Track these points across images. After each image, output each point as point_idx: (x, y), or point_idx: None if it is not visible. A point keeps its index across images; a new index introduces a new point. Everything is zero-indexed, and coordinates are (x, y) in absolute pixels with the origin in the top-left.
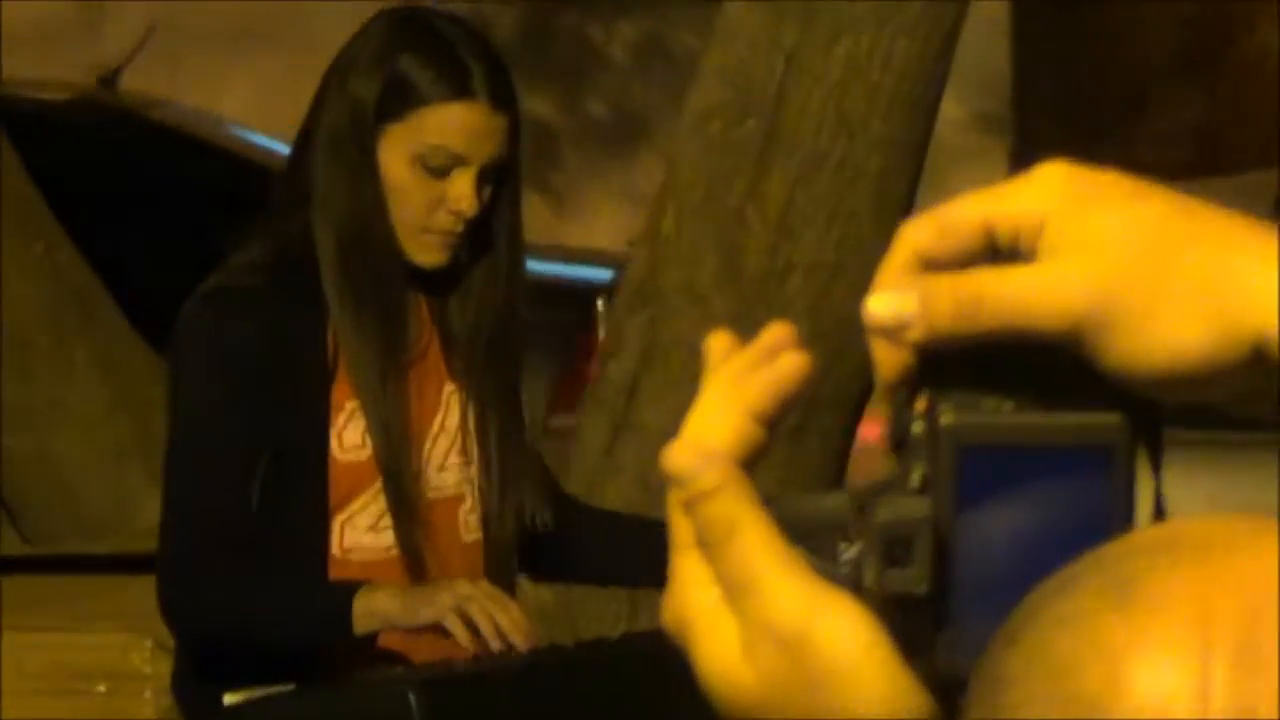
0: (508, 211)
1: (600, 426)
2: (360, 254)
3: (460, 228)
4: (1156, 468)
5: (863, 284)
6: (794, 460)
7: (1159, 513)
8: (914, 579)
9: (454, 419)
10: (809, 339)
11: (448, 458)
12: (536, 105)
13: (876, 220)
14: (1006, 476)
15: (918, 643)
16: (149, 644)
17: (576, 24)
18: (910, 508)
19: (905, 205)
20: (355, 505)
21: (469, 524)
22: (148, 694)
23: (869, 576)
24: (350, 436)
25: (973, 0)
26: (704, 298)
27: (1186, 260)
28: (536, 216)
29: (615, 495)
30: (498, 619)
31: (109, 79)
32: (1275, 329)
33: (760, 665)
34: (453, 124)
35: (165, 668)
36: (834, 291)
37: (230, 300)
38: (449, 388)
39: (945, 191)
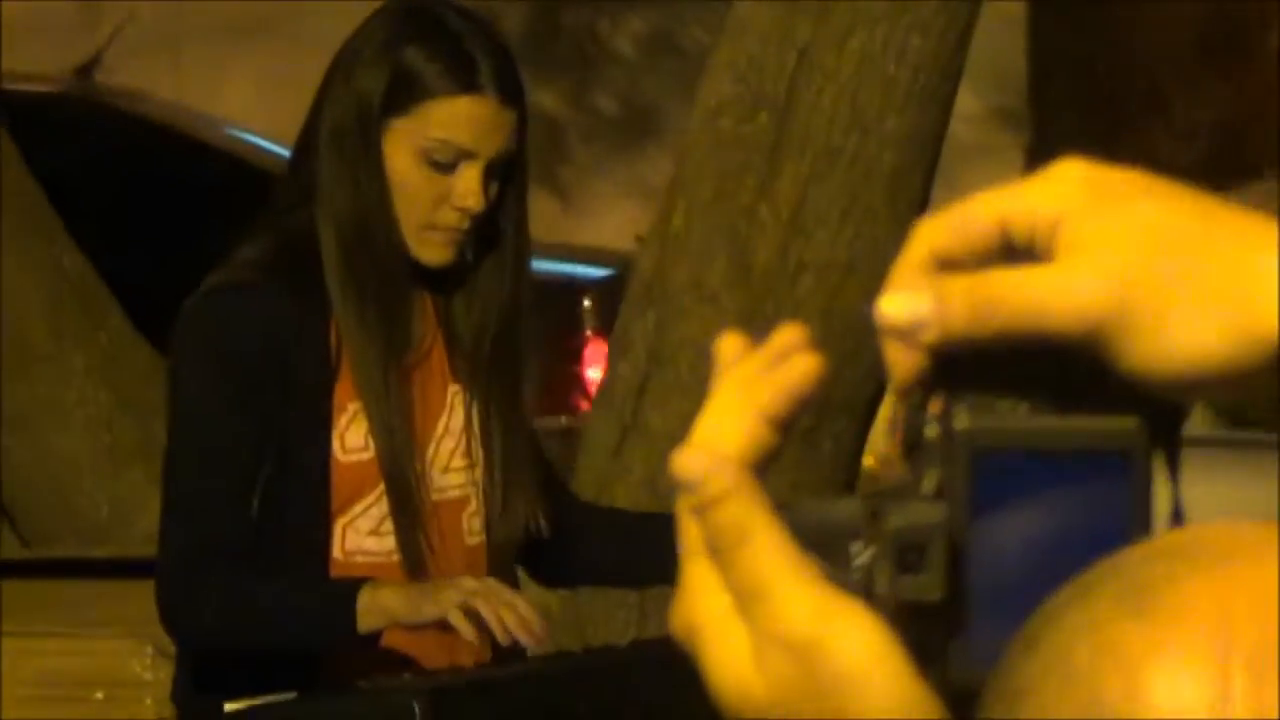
0: (514, 208)
1: (608, 428)
2: (364, 251)
3: (466, 224)
4: (1175, 472)
5: (876, 284)
6: (806, 464)
7: (1177, 518)
8: (927, 586)
9: (459, 420)
10: (821, 340)
11: (452, 460)
12: (544, 99)
13: (890, 218)
14: (1022, 481)
15: (931, 651)
16: (149, 650)
17: (584, 17)
18: (924, 513)
19: (920, 203)
20: (357, 508)
21: (473, 527)
22: (148, 701)
23: (881, 583)
24: (353, 438)
25: None
26: (714, 297)
27: (1205, 260)
28: (543, 212)
29: (623, 498)
30: (505, 615)
31: (85, 71)
32: None
33: (771, 673)
34: (459, 118)
35: (166, 675)
36: (847, 291)
37: (231, 298)
38: (453, 389)
39: (960, 188)
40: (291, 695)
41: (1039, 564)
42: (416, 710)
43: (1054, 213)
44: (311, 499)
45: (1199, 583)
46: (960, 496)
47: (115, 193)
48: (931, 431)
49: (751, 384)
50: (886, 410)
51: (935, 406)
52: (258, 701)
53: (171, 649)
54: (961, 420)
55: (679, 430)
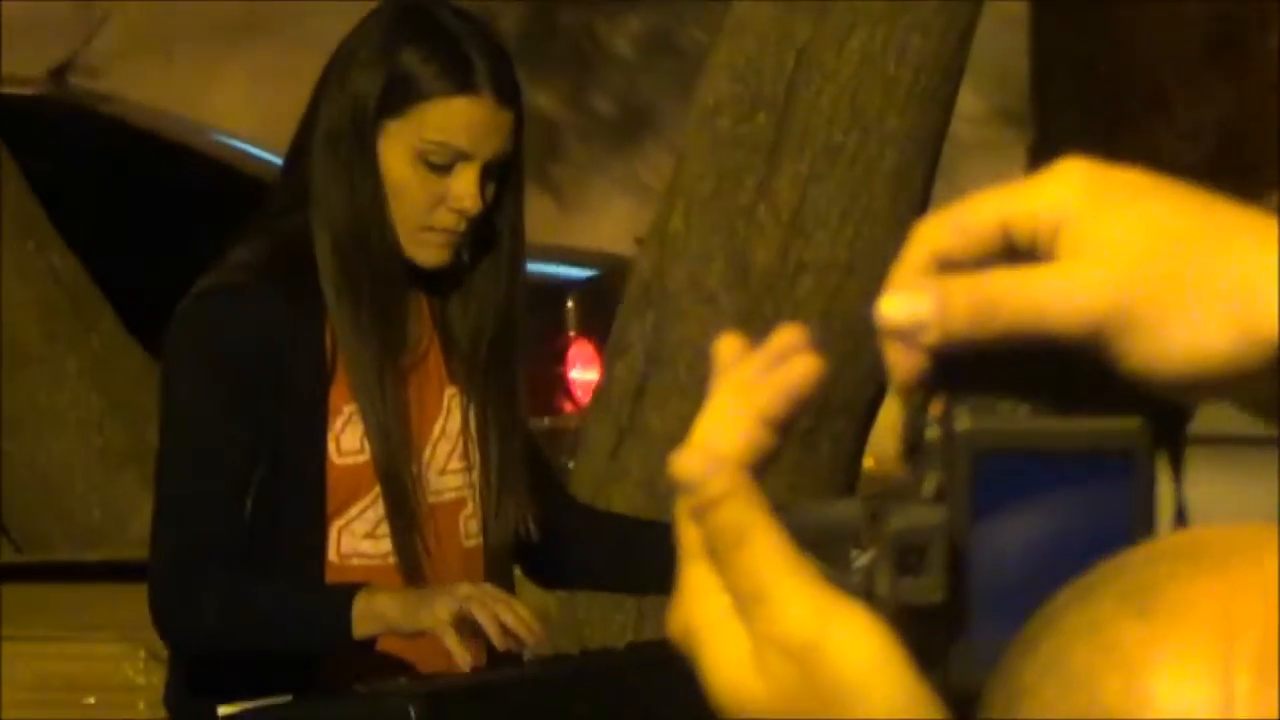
0: (510, 209)
1: (605, 430)
2: (359, 253)
3: (462, 226)
4: (1178, 473)
5: (876, 284)
6: (805, 466)
7: (1180, 519)
8: (928, 588)
9: (455, 423)
10: (820, 341)
11: (449, 462)
12: (541, 99)
13: (891, 218)
14: (1023, 483)
15: (932, 653)
16: (142, 654)
17: (582, 17)
18: (924, 515)
19: (920, 202)
20: (353, 511)
21: (469, 529)
22: (141, 706)
23: (882, 585)
24: (348, 440)
25: None
26: (712, 298)
27: (1208, 260)
28: (540, 213)
29: (621, 500)
30: (503, 617)
31: (58, 73)
32: None
33: (770, 676)
34: (456, 119)
35: (158, 679)
36: (847, 292)
37: (225, 300)
38: (449, 391)
39: (962, 188)
40: (287, 698)
41: (1040, 566)
42: (412, 714)
43: (1055, 212)
44: (307, 502)
45: (1202, 584)
46: (961, 498)
47: (96, 197)
48: (933, 433)
49: (750, 386)
50: (890, 412)
51: (936, 408)
52: (252, 705)
53: (165, 653)
54: (963, 421)
55: (677, 432)
